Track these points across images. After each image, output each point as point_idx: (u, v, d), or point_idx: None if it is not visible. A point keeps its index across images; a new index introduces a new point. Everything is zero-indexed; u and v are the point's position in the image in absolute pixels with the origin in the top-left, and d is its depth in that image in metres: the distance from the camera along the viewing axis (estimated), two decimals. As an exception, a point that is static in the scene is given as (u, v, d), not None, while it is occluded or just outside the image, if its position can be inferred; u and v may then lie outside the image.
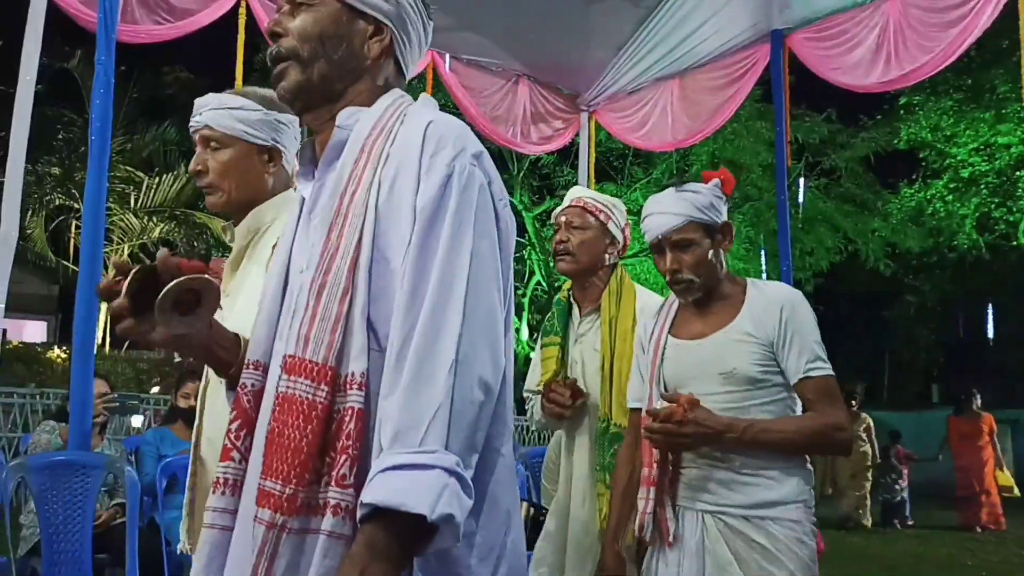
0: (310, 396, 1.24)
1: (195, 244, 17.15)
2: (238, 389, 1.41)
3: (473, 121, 5.96)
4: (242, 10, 4.53)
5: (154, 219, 16.65)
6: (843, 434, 2.28)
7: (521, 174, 20.81)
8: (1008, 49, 14.44)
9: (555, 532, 2.90)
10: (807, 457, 2.35)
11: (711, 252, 2.37)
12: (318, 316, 1.28)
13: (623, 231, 3.00)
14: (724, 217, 2.41)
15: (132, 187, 16.79)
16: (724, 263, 2.42)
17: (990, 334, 26.18)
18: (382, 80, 1.48)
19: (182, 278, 1.30)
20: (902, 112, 17.76)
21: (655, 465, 2.31)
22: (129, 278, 1.30)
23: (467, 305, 1.23)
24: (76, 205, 16.12)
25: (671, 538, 2.28)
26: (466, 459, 1.18)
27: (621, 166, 20.24)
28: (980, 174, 17.16)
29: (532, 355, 3.28)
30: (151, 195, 16.58)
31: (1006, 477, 11.57)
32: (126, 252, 16.58)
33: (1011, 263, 20.03)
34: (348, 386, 1.25)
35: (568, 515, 2.87)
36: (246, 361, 1.42)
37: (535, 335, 17.23)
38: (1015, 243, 17.89)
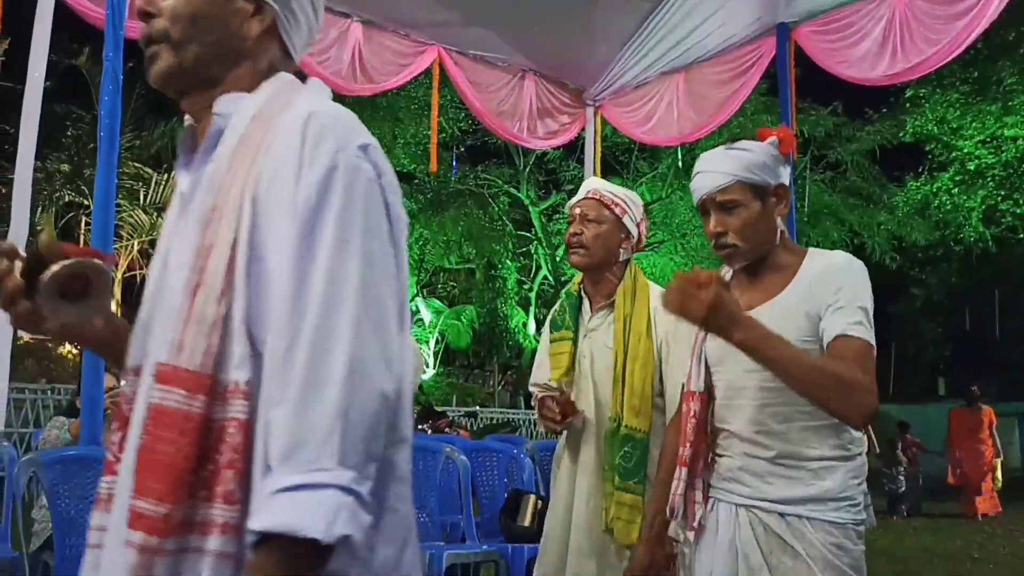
0: (185, 407, 1.13)
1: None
2: (119, 397, 1.29)
3: (480, 116, 5.99)
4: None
5: (163, 215, 16.70)
6: (868, 397, 1.89)
7: (527, 169, 20.81)
8: (1015, 41, 14.43)
9: (557, 532, 2.87)
10: (857, 447, 2.10)
11: (761, 216, 2.13)
12: (193, 319, 1.16)
13: (638, 226, 2.93)
14: (781, 179, 2.17)
15: (141, 183, 16.84)
16: (780, 229, 2.18)
17: (997, 327, 26.14)
18: (265, 63, 1.35)
19: (67, 262, 1.24)
20: (908, 105, 17.72)
21: (689, 445, 2.16)
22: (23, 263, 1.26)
23: (358, 309, 1.13)
24: (86, 201, 16.15)
25: (695, 524, 2.14)
26: (363, 474, 1.09)
27: (627, 160, 20.24)
28: (987, 167, 17.13)
29: (538, 348, 3.25)
30: (160, 191, 16.62)
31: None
32: (136, 248, 16.63)
33: (1018, 256, 20.00)
34: (230, 396, 1.14)
35: (571, 515, 2.83)
36: (125, 367, 1.28)
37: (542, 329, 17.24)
38: (1022, 236, 17.86)
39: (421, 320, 26.62)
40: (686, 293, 1.85)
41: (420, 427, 15.56)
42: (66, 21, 4.38)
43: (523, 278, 22.86)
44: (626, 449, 2.72)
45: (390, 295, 1.20)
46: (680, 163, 19.53)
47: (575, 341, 2.93)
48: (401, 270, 1.24)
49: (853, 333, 1.95)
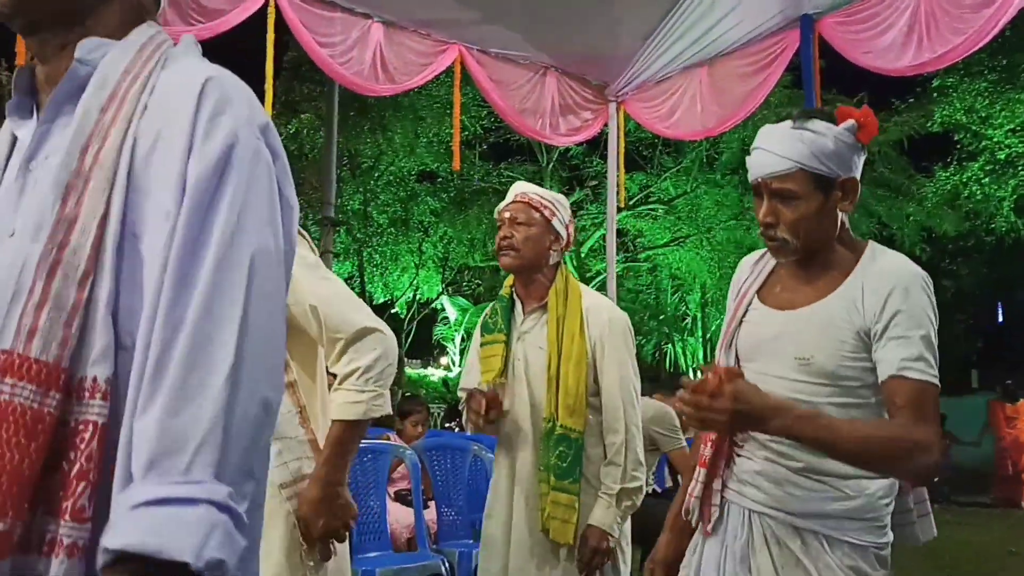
0: (35, 404, 0.95)
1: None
2: None
3: (502, 114, 5.97)
4: (271, 8, 4.58)
5: None
6: (927, 457, 1.70)
7: (550, 165, 20.79)
8: (1044, 28, 14.17)
9: (497, 536, 2.87)
10: None
11: (821, 211, 1.88)
12: (48, 303, 0.98)
13: (567, 227, 2.98)
14: (853, 171, 1.90)
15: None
16: (841, 224, 1.94)
17: (1030, 318, 25.78)
18: (135, 3, 1.18)
19: None
20: (935, 95, 17.53)
21: (710, 444, 2.00)
22: None
23: (247, 307, 1.00)
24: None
25: (709, 527, 1.99)
26: (240, 490, 0.96)
27: (651, 155, 20.18)
28: (1017, 155, 16.90)
29: (468, 354, 3.25)
30: None
31: None
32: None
33: (1051, 245, 19.72)
34: (86, 394, 0.98)
35: (511, 518, 2.84)
36: None
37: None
38: (1055, 225, 17.60)
39: (447, 318, 26.67)
40: (702, 409, 1.69)
41: (448, 425, 15.60)
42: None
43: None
44: (561, 449, 2.74)
45: (280, 295, 1.08)
46: (704, 157, 19.42)
47: (508, 344, 2.94)
48: (288, 264, 1.12)
49: (912, 375, 1.74)
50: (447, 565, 4.59)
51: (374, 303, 19.82)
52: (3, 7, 1.12)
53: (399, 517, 5.15)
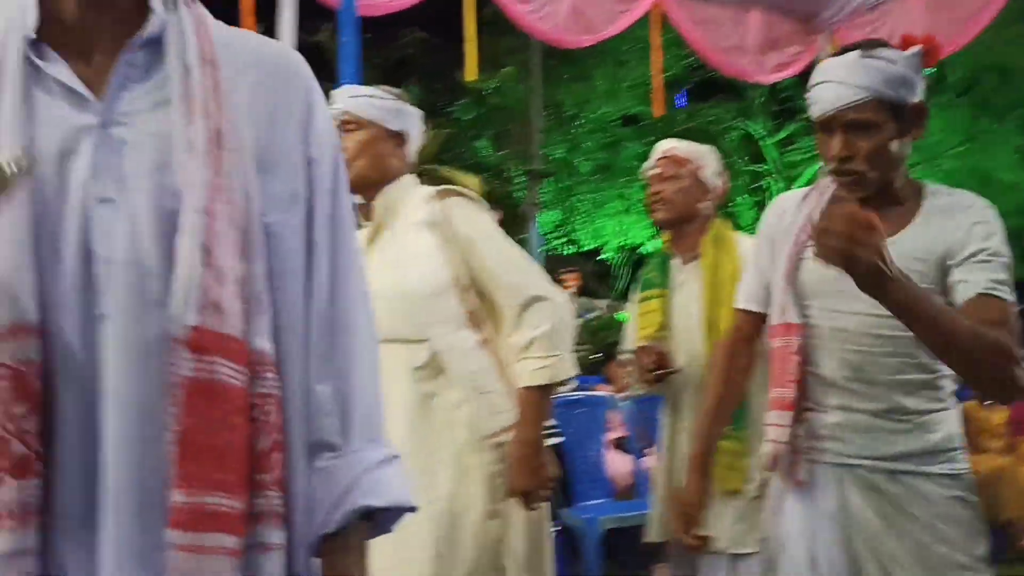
0: (236, 382, 0.95)
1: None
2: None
3: (705, 54, 5.82)
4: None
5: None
6: (1018, 369, 1.66)
7: (759, 101, 20.01)
8: None
9: (665, 492, 2.87)
10: (952, 398, 1.88)
11: (896, 140, 1.85)
12: (221, 276, 0.94)
13: (719, 178, 2.96)
14: (918, 96, 1.87)
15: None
16: (906, 157, 1.89)
17: None
18: None
19: None
20: None
21: (794, 386, 1.89)
22: None
23: (365, 286, 1.12)
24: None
25: (799, 478, 1.91)
26: None
27: (868, 83, 18.96)
28: None
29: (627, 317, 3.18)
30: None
31: None
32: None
33: None
34: (263, 368, 0.98)
35: (677, 472, 2.80)
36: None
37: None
38: None
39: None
40: (856, 237, 1.52)
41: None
42: (305, 2, 4.70)
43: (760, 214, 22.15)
44: None
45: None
46: (933, 78, 18.05)
47: (666, 299, 2.93)
48: None
49: (1000, 294, 1.70)
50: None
51: (582, 250, 19.97)
52: None
53: (618, 465, 5.21)
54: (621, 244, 22.24)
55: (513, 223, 17.02)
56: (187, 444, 0.91)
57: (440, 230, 2.23)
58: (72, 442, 0.91)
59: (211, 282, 0.93)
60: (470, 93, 15.82)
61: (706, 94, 20.63)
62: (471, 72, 5.18)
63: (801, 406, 1.91)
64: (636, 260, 23.59)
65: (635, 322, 3.09)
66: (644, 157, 3.11)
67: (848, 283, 1.69)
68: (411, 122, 2.40)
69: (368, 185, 2.33)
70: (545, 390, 2.20)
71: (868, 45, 1.86)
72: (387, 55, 19.39)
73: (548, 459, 2.23)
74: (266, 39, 1.13)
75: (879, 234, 1.54)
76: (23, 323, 0.89)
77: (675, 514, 2.20)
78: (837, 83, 1.83)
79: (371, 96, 2.35)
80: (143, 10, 0.99)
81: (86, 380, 0.92)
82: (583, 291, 11.93)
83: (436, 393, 2.22)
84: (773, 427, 1.94)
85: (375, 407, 1.08)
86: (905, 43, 1.89)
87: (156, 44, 0.99)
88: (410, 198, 2.32)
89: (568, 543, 4.30)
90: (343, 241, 1.08)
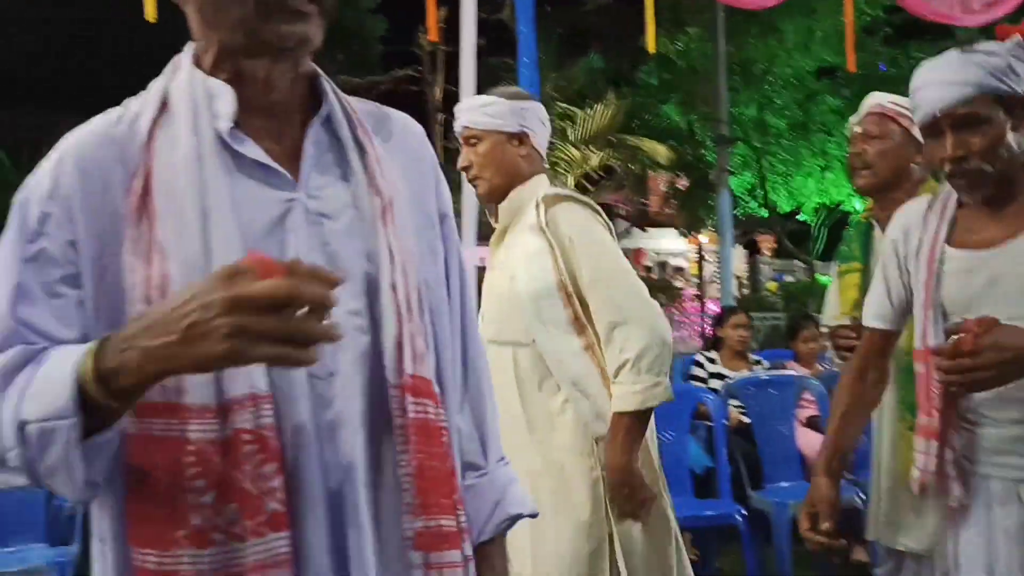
0: (439, 421, 1.09)
1: (631, 166, 17.91)
2: (243, 429, 0.97)
3: (901, 2, 5.47)
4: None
5: (591, 147, 17.65)
6: None
7: (969, 38, 18.54)
8: None
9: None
10: None
11: (1011, 134, 1.77)
12: (421, 329, 1.09)
13: None
14: None
15: (568, 121, 17.92)
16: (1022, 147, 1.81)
17: None
18: None
19: None
20: None
21: (937, 413, 1.84)
22: None
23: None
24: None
25: (957, 503, 1.84)
26: None
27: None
28: None
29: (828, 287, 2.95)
30: (587, 125, 17.56)
31: None
32: (571, 182, 17.83)
33: None
34: (439, 403, 1.11)
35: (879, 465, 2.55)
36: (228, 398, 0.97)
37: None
38: None
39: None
40: (966, 372, 1.65)
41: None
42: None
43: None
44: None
45: None
46: None
47: (865, 272, 2.62)
48: None
49: None
50: (861, 497, 4.09)
51: (778, 212, 19.27)
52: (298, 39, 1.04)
53: (811, 444, 5.04)
54: (820, 203, 21.29)
55: (704, 188, 16.70)
56: (421, 476, 1.05)
57: (547, 234, 2.23)
58: (314, 493, 1.00)
59: (414, 334, 1.07)
60: (655, 57, 15.58)
61: (909, 36, 19.32)
62: (651, 42, 5.19)
63: (948, 435, 1.85)
64: (837, 219, 22.52)
65: (834, 296, 2.89)
66: (842, 111, 2.95)
67: (996, 291, 1.75)
68: (530, 117, 2.37)
69: (501, 192, 2.36)
70: (635, 415, 2.18)
71: (967, 40, 1.84)
72: (570, 23, 19.44)
73: (640, 484, 2.21)
74: (382, 107, 1.22)
75: (1000, 327, 1.61)
76: (257, 392, 0.97)
77: (804, 513, 2.09)
78: (939, 83, 1.80)
79: (483, 105, 2.36)
80: (315, 93, 1.12)
81: (320, 435, 1.02)
82: (778, 253, 11.54)
83: (541, 395, 2.24)
84: (921, 455, 1.89)
85: (498, 429, 1.30)
86: (1001, 34, 1.83)
87: (328, 123, 1.11)
88: (533, 201, 2.31)
89: (758, 527, 4.20)
90: (466, 284, 1.27)
